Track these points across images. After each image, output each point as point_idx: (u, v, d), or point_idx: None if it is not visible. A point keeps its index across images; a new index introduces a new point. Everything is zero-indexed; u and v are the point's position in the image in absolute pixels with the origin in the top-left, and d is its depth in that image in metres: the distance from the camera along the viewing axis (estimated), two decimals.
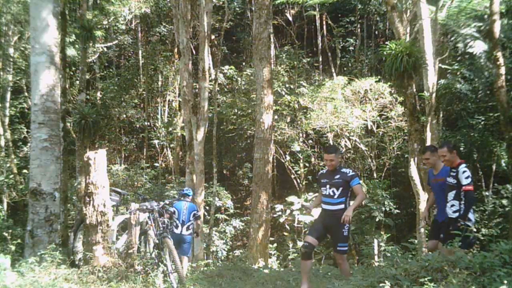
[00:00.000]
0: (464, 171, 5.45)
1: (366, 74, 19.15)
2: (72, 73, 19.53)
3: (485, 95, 13.88)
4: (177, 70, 19.27)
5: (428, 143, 10.90)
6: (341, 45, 22.02)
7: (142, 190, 16.65)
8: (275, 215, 15.12)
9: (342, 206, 5.29)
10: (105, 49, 20.30)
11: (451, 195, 5.53)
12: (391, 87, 15.03)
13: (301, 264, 5.36)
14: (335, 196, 5.31)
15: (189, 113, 12.46)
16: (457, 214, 5.42)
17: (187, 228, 7.70)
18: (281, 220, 15.50)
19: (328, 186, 5.35)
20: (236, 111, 19.15)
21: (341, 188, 5.29)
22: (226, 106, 19.48)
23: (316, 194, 5.89)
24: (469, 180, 5.42)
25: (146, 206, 5.79)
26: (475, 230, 5.35)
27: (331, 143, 16.18)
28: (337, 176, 5.35)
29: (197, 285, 5.53)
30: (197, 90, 14.25)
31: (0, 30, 16.86)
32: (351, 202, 5.36)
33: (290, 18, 22.13)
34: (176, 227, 7.57)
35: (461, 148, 14.71)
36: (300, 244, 11.46)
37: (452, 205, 5.49)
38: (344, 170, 5.44)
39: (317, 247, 15.52)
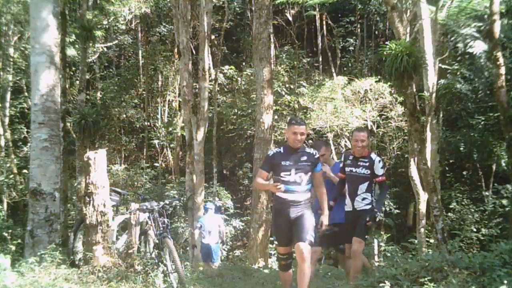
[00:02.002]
0: (380, 161, 4.99)
1: (366, 74, 19.16)
2: (72, 73, 19.53)
3: (485, 95, 13.89)
4: (177, 70, 19.26)
5: (428, 143, 10.91)
6: (341, 45, 22.03)
7: (142, 190, 16.66)
8: None
9: (309, 194, 4.37)
10: (105, 49, 20.29)
11: (362, 187, 4.91)
12: (391, 87, 15.04)
13: (281, 276, 4.64)
14: (303, 183, 4.27)
15: (189, 113, 12.46)
16: (370, 206, 4.90)
17: (213, 237, 9.02)
18: None
19: (293, 171, 4.24)
20: (236, 111, 19.16)
21: (309, 173, 4.31)
22: (226, 106, 19.49)
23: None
24: (384, 170, 5.11)
25: (146, 206, 5.78)
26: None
27: (331, 143, 16.18)
28: (304, 158, 4.31)
29: (197, 285, 5.52)
30: (197, 90, 14.25)
31: (0, 30, 16.86)
32: None
33: (290, 18, 22.14)
34: (204, 237, 8.97)
35: (461, 148, 14.71)
36: None
37: (364, 198, 4.91)
38: (308, 150, 4.42)
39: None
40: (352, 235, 4.90)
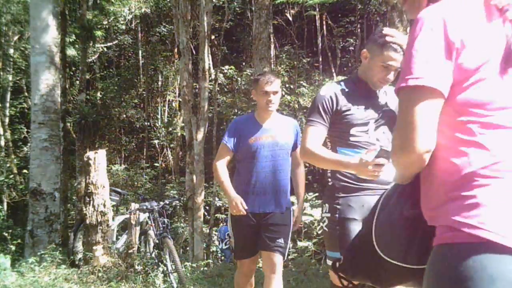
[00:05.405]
0: None
1: None
2: (72, 73, 19.54)
3: None
4: (177, 70, 19.27)
5: None
6: (341, 45, 22.03)
7: (142, 190, 16.65)
8: None
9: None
10: (105, 49, 20.31)
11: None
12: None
13: None
14: (389, 147, 2.02)
15: (189, 113, 12.46)
16: None
17: (225, 244, 10.65)
18: None
19: (372, 125, 2.33)
20: (236, 111, 19.15)
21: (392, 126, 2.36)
22: (226, 106, 19.49)
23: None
24: None
25: (146, 206, 5.79)
26: None
27: None
28: (385, 101, 2.41)
29: (197, 285, 5.52)
30: (197, 90, 14.25)
31: (0, 30, 16.87)
32: None
33: (290, 18, 22.13)
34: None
35: None
36: (302, 244, 11.42)
37: None
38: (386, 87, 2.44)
39: (318, 248, 15.58)
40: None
